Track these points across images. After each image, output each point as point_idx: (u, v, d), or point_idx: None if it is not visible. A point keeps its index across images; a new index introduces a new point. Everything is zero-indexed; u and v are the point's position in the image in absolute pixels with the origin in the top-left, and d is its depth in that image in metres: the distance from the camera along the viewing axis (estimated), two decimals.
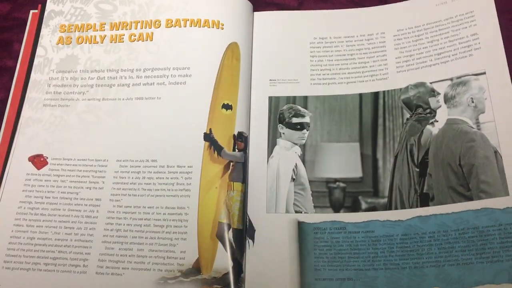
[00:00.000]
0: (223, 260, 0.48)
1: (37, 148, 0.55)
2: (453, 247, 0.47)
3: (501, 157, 0.49)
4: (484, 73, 0.54)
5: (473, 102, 0.53)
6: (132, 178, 0.53)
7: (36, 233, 0.51)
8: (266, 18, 0.62)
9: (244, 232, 0.51)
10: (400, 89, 0.56)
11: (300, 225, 0.51)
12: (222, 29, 0.58)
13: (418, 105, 0.55)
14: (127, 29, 0.60)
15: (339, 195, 0.54)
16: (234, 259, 0.48)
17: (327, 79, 0.58)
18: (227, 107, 0.55)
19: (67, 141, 0.55)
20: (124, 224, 0.51)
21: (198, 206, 0.50)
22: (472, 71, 0.54)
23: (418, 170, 0.53)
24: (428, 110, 0.55)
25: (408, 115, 0.56)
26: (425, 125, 0.54)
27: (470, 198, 0.49)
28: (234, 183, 0.52)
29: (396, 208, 0.51)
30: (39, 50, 0.60)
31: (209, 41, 0.58)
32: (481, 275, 0.45)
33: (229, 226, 0.50)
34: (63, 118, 0.57)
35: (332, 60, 0.59)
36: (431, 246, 0.48)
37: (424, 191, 0.52)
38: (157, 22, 0.60)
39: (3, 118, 0.57)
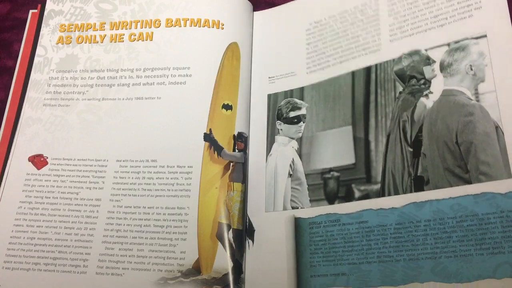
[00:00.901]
0: (223, 260, 0.48)
1: (37, 148, 0.55)
2: (451, 236, 0.43)
3: (503, 134, 0.43)
4: (485, 36, 0.47)
5: (472, 69, 0.47)
6: (132, 178, 0.53)
7: (36, 233, 0.51)
8: (265, 17, 0.62)
9: (244, 233, 0.51)
10: (393, 60, 0.51)
11: (297, 221, 0.50)
12: (222, 29, 0.58)
13: (412, 75, 0.50)
14: (127, 29, 0.60)
15: (333, 186, 0.50)
16: (234, 259, 0.48)
17: (322, 63, 0.56)
18: (227, 107, 0.55)
19: (67, 141, 0.55)
20: (124, 224, 0.51)
21: (198, 206, 0.50)
22: (472, 34, 0.48)
23: (411, 150, 0.48)
24: (422, 81, 0.49)
25: (401, 88, 0.50)
26: (419, 98, 0.49)
27: (468, 181, 0.44)
28: (234, 183, 0.52)
29: (389, 194, 0.47)
30: (39, 50, 0.60)
31: (209, 41, 0.58)
32: (481, 268, 0.41)
33: (229, 227, 0.50)
34: (63, 118, 0.57)
35: (326, 42, 0.57)
36: (427, 236, 0.44)
37: (419, 174, 0.47)
38: (157, 22, 0.60)
39: (3, 118, 0.57)
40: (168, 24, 0.60)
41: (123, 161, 0.54)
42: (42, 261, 0.50)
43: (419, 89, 0.49)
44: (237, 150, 0.54)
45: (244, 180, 0.53)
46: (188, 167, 0.52)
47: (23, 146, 0.55)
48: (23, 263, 0.50)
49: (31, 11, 0.63)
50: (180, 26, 0.59)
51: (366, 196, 0.48)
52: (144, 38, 0.60)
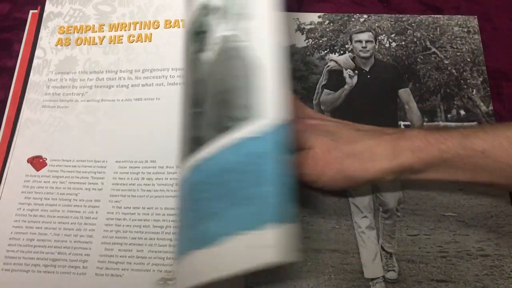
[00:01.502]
0: None
1: (36, 149, 0.55)
2: (206, 197, 0.37)
3: (262, 71, 0.37)
4: None
5: (236, 9, 0.40)
6: (131, 179, 0.53)
7: (35, 234, 0.51)
8: None
9: None
10: (192, 21, 0.45)
11: None
12: None
13: (197, 32, 0.44)
14: (125, 30, 0.60)
15: None
16: None
17: None
18: None
19: (66, 142, 0.55)
20: (123, 225, 0.51)
21: None
22: None
23: (195, 110, 0.42)
24: (202, 35, 0.43)
25: (191, 49, 0.44)
26: (200, 54, 0.43)
27: (228, 130, 0.37)
28: None
29: (178, 167, 0.42)
30: (38, 52, 0.60)
31: None
32: (236, 223, 0.34)
33: None
34: (62, 119, 0.57)
35: None
36: (190, 202, 0.38)
37: (196, 136, 0.41)
38: (155, 23, 0.60)
39: (3, 118, 0.57)
40: (167, 25, 0.60)
41: (122, 162, 0.54)
42: (42, 262, 0.50)
43: (200, 44, 0.43)
44: None
45: None
46: None
47: (22, 147, 0.55)
48: (23, 264, 0.50)
49: (31, 11, 0.63)
50: (179, 27, 0.59)
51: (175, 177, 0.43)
52: (143, 39, 0.60)
